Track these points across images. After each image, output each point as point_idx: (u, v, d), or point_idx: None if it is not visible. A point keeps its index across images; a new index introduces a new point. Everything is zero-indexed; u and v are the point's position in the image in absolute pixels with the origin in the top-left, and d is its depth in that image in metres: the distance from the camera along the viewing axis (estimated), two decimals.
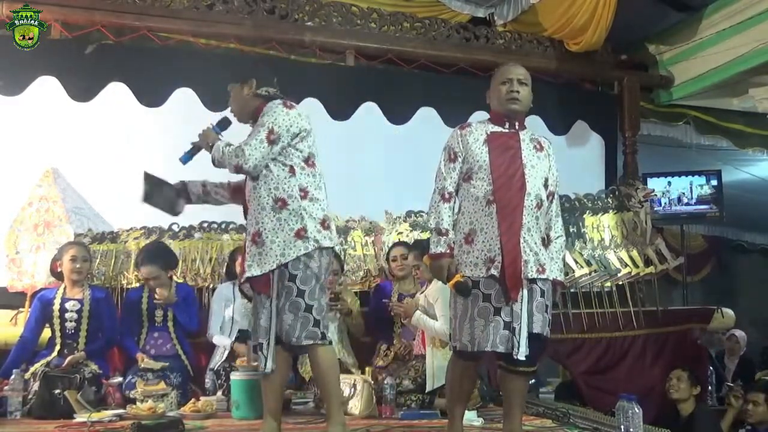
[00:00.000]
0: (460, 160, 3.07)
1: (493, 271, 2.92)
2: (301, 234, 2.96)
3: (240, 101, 3.17)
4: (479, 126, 3.13)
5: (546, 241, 3.07)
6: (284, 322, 2.95)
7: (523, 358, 2.89)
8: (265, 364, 2.98)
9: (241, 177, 3.18)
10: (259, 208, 2.99)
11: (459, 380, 3.11)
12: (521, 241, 2.94)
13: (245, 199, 3.14)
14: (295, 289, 2.95)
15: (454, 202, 3.09)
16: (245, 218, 3.15)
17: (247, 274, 2.99)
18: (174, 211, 3.38)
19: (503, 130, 3.08)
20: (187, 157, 3.19)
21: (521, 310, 2.90)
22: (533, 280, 2.95)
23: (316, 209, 3.02)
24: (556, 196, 3.15)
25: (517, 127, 3.10)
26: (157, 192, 3.30)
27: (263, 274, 2.96)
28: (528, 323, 2.91)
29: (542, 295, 2.98)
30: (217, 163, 3.06)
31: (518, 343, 2.87)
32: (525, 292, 2.92)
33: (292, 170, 3.01)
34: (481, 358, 3.09)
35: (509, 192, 2.96)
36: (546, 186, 3.06)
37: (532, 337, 2.93)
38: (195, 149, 3.18)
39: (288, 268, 2.95)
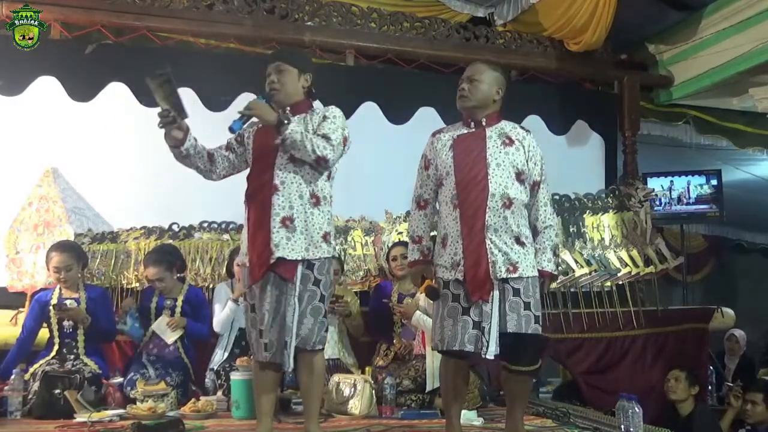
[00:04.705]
0: (432, 167, 3.12)
1: (458, 275, 2.94)
2: (326, 238, 3.02)
3: (294, 87, 3.11)
4: (449, 130, 3.15)
5: (533, 233, 3.05)
6: (304, 325, 2.96)
7: (492, 357, 2.88)
8: (289, 363, 2.98)
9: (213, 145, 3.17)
10: (296, 194, 2.97)
11: (452, 379, 3.11)
12: (487, 242, 2.93)
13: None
14: (319, 294, 2.99)
15: (431, 209, 3.15)
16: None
17: (278, 255, 2.91)
18: (183, 113, 2.96)
19: (470, 131, 3.09)
20: (239, 125, 3.00)
21: (491, 310, 2.89)
22: (505, 280, 2.93)
23: (332, 220, 3.12)
24: (542, 186, 3.09)
25: (484, 123, 3.07)
26: (167, 92, 2.92)
27: (292, 261, 2.94)
28: (501, 323, 2.90)
29: (516, 294, 2.94)
30: (290, 144, 2.90)
31: (488, 342, 2.87)
32: (496, 292, 2.92)
33: (329, 176, 3.10)
34: (468, 357, 3.04)
35: (471, 194, 2.96)
36: (521, 180, 3.01)
37: (514, 337, 2.90)
38: (247, 118, 3.01)
39: (314, 270, 2.98)
